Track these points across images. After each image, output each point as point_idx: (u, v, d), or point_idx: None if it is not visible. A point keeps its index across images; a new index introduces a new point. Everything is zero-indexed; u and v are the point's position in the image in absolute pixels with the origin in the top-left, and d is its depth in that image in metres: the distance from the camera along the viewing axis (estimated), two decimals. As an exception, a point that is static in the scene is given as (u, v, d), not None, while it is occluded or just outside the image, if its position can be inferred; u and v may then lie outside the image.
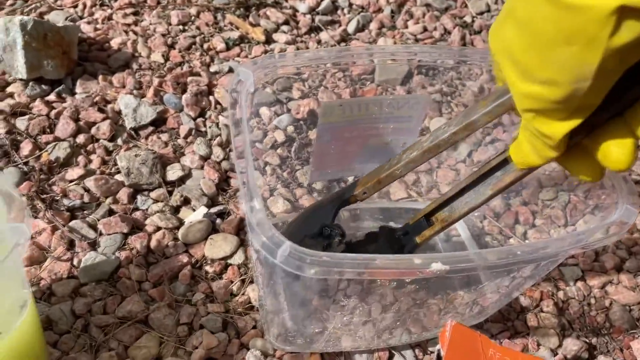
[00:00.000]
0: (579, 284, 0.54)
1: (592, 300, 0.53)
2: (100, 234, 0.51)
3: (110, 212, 0.53)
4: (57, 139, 0.58)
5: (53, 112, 0.60)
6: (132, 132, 0.60)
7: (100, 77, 0.65)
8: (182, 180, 0.57)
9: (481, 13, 0.86)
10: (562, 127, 0.25)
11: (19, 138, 0.57)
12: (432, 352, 0.48)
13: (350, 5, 0.84)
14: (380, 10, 0.84)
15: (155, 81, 0.65)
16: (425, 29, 0.82)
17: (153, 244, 0.51)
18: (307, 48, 0.76)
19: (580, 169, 0.29)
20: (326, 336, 0.45)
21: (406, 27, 0.82)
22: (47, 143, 0.57)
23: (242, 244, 0.52)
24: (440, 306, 0.47)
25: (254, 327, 0.47)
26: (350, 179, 0.55)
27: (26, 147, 0.56)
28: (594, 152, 0.27)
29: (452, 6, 0.87)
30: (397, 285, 0.44)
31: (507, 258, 0.31)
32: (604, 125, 0.27)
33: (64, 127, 0.58)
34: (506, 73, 0.26)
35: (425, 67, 0.65)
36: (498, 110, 0.32)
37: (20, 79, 0.62)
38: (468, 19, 0.85)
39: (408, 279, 0.43)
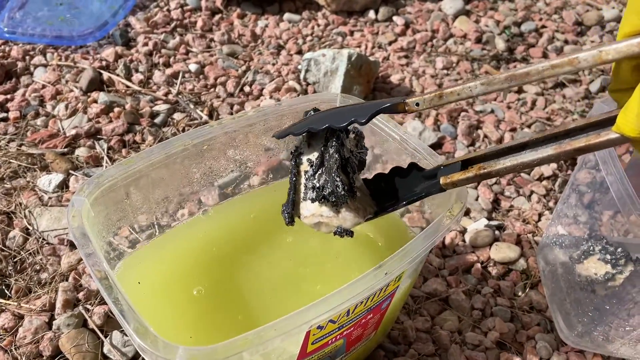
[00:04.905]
0: None
1: None
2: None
3: (408, 211, 0.65)
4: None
5: (357, 127, 0.74)
6: (415, 151, 0.73)
7: (387, 104, 0.78)
8: (459, 196, 0.68)
9: None
10: None
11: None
12: None
13: (591, 68, 0.92)
14: (620, 74, 0.90)
15: (432, 113, 0.77)
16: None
17: (447, 241, 0.61)
18: (554, 101, 0.84)
19: None
20: (611, 344, 0.51)
21: (647, 92, 0.88)
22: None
23: (523, 254, 0.61)
24: None
25: (538, 325, 0.55)
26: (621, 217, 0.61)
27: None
28: None
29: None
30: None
31: None
32: None
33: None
34: None
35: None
36: (612, 54, 0.28)
37: (330, 98, 0.77)
38: None
39: None
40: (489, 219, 0.64)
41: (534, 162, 0.32)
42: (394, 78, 0.84)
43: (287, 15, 0.94)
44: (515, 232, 0.63)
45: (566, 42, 0.96)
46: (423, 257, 0.43)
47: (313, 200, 0.39)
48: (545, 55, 0.92)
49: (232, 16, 0.93)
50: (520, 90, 0.85)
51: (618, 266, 0.55)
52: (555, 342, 0.53)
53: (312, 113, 0.43)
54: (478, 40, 0.93)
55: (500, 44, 0.93)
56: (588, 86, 0.87)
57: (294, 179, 0.40)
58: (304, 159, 0.40)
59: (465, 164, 0.36)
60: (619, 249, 0.55)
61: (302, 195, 0.40)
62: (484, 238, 0.61)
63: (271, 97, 0.77)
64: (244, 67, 0.82)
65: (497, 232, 0.63)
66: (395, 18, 0.97)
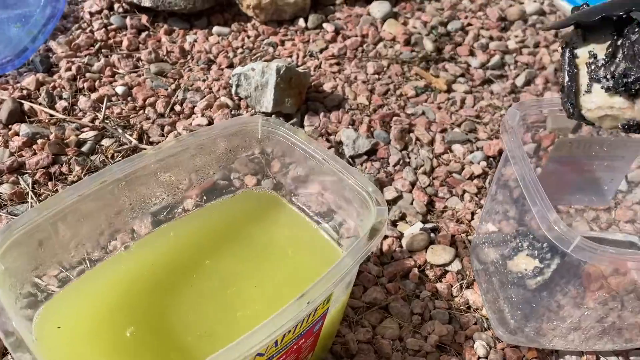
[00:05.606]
0: None
1: None
2: (341, 237, 0.63)
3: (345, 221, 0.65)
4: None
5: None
6: (350, 159, 0.73)
7: (321, 114, 0.79)
8: (395, 201, 0.69)
9: None
10: None
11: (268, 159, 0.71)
12: (634, 361, 0.55)
13: (516, 62, 0.95)
14: (544, 67, 0.94)
15: (366, 119, 0.78)
16: (588, 86, 0.90)
17: (384, 248, 0.62)
18: (483, 98, 0.87)
19: None
20: (544, 337, 0.53)
21: (569, 83, 0.91)
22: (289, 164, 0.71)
23: (458, 255, 0.62)
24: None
25: (475, 324, 0.57)
26: (561, 207, 0.64)
27: (275, 166, 0.70)
28: None
29: (612, 66, 0.95)
30: (608, 302, 0.52)
31: None
32: None
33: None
34: None
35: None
36: None
37: (264, 112, 0.77)
38: (628, 78, 0.92)
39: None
40: (424, 221, 0.66)
41: None
42: (327, 86, 0.84)
43: (216, 29, 0.93)
44: (449, 233, 0.64)
45: (491, 38, 0.99)
46: (352, 276, 0.43)
47: (607, 90, 0.38)
48: (472, 53, 0.95)
49: (159, 33, 0.91)
50: (449, 90, 0.87)
51: (545, 260, 0.57)
52: (492, 340, 0.55)
53: (585, 6, 0.42)
54: (407, 43, 0.95)
55: (429, 45, 0.94)
56: (514, 81, 0.90)
57: (574, 70, 0.40)
58: (582, 51, 0.40)
59: None
60: (545, 244, 0.57)
61: (584, 87, 0.40)
62: (419, 242, 0.62)
63: (203, 114, 0.76)
64: (173, 86, 0.81)
65: (432, 234, 0.64)
66: (325, 25, 0.97)
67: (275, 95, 0.75)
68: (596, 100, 0.40)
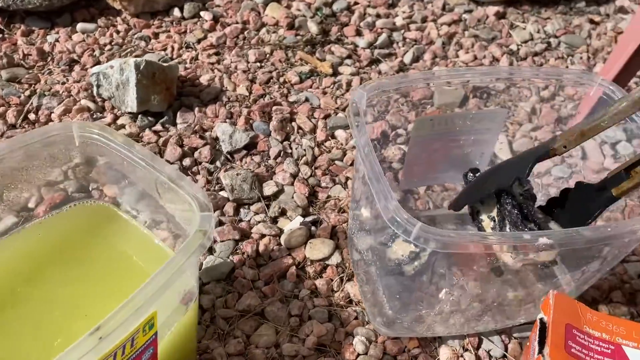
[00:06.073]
0: (644, 278, 0.59)
1: (657, 292, 0.58)
2: (215, 241, 0.59)
3: (220, 223, 0.61)
4: (167, 162, 0.66)
5: (161, 140, 0.68)
6: (228, 155, 0.69)
7: (196, 109, 0.73)
8: (276, 195, 0.65)
9: (525, 41, 0.94)
10: None
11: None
12: (516, 337, 0.53)
13: (404, 39, 0.93)
14: (432, 42, 0.92)
15: (244, 111, 0.74)
16: (475, 58, 0.89)
17: (261, 248, 0.58)
18: (370, 79, 0.84)
19: None
20: (423, 324, 0.51)
21: (457, 56, 0.90)
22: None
23: (338, 247, 0.59)
24: (520, 298, 0.53)
25: (356, 318, 0.54)
26: (436, 187, 0.62)
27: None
28: None
29: (498, 36, 0.94)
30: (485, 279, 0.50)
31: (601, 234, 0.37)
32: None
33: (172, 152, 0.67)
34: None
35: (479, 90, 0.72)
36: None
37: (129, 113, 0.71)
38: (514, 47, 0.92)
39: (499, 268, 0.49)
40: (305, 215, 0.62)
41: None
42: (203, 79, 0.79)
43: (80, 26, 0.85)
44: (330, 225, 0.61)
45: (378, 16, 0.96)
46: (185, 293, 0.39)
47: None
48: (359, 33, 0.92)
49: (15, 35, 0.82)
50: (335, 73, 0.84)
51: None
52: (373, 333, 0.52)
53: (472, 175, 0.50)
54: (291, 27, 0.91)
55: (314, 28, 0.90)
56: (402, 58, 0.88)
57: None
58: (484, 217, 0.46)
59: (628, 170, 0.39)
60: (419, 227, 0.54)
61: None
62: (297, 237, 0.59)
63: (60, 121, 0.69)
64: (28, 92, 0.73)
65: (313, 227, 0.61)
66: (203, 13, 0.91)
67: (138, 93, 0.69)
68: (508, 258, 0.43)
